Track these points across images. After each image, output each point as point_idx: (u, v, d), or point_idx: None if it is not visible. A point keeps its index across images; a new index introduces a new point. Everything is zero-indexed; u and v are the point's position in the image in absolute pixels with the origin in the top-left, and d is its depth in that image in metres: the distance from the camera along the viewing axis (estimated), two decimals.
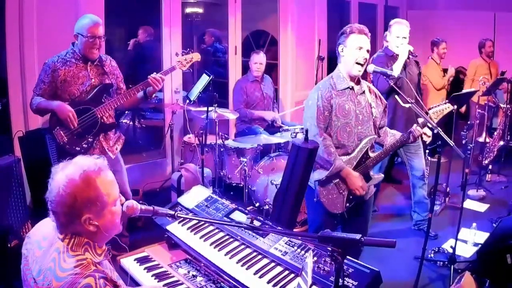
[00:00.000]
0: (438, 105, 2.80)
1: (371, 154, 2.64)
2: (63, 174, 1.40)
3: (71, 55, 3.06)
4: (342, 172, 2.57)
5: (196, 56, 3.31)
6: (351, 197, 2.63)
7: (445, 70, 5.67)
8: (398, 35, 3.81)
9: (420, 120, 2.64)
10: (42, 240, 1.49)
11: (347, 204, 2.63)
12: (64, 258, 1.39)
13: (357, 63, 2.54)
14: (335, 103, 2.57)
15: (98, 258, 1.45)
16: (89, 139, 3.09)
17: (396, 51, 3.85)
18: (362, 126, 2.62)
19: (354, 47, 2.53)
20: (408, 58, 3.95)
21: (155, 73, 3.14)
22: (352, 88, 2.61)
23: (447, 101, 2.88)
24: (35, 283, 1.42)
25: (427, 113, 2.73)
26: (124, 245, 1.93)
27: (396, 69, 3.66)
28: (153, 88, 3.13)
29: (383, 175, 3.03)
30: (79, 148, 3.04)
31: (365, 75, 3.28)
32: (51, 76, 3.00)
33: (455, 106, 3.63)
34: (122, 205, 1.57)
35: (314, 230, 2.85)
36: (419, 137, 2.75)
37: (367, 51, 2.56)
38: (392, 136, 2.77)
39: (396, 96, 3.63)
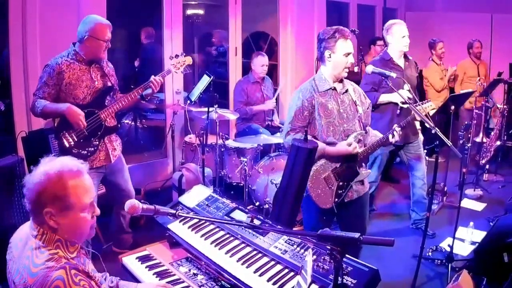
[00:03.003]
0: (422, 103, 2.85)
1: (359, 150, 2.66)
2: (44, 167, 1.47)
3: (73, 57, 3.00)
4: (328, 152, 2.60)
5: (188, 60, 3.39)
6: (339, 191, 2.66)
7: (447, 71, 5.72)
8: (404, 35, 3.79)
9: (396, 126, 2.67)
10: (19, 241, 1.54)
11: (336, 199, 2.66)
12: (36, 254, 1.43)
13: (345, 67, 2.62)
14: (317, 103, 2.62)
15: (70, 255, 1.49)
16: (95, 142, 3.09)
17: (402, 49, 3.84)
18: (348, 124, 2.66)
19: (342, 53, 2.59)
20: (408, 60, 3.98)
21: (153, 76, 3.19)
22: (334, 89, 2.67)
23: (429, 99, 2.91)
24: (14, 284, 1.45)
25: (426, 116, 2.78)
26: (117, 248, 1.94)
27: (383, 98, 3.73)
28: (152, 90, 3.18)
29: (370, 171, 3.05)
30: (85, 152, 3.03)
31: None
32: (56, 79, 2.93)
33: (453, 107, 3.69)
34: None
35: (308, 226, 2.89)
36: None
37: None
38: (373, 136, 2.80)
39: (396, 99, 3.68)
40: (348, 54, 2.60)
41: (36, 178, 1.44)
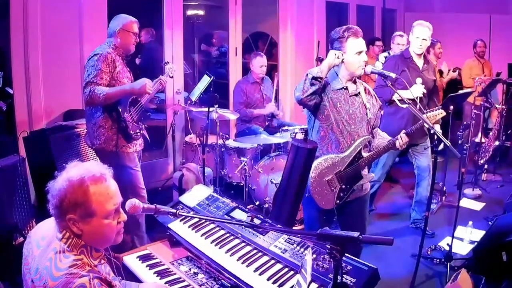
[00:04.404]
0: (432, 110, 2.86)
1: (364, 154, 2.65)
2: (67, 173, 1.45)
3: (113, 50, 3.14)
4: (322, 69, 2.50)
5: (173, 66, 3.72)
6: (341, 194, 2.66)
7: (440, 71, 5.72)
8: (418, 36, 3.82)
9: (403, 132, 2.67)
10: (40, 239, 1.52)
11: (338, 201, 2.66)
12: (60, 258, 1.41)
13: (358, 66, 2.58)
14: (328, 97, 2.60)
15: (93, 262, 1.48)
16: (142, 126, 3.32)
17: (414, 50, 3.87)
18: (355, 126, 2.64)
19: (354, 52, 2.55)
20: (427, 62, 3.99)
21: (161, 76, 3.48)
22: (346, 88, 2.64)
23: (440, 106, 2.92)
24: (32, 282, 1.44)
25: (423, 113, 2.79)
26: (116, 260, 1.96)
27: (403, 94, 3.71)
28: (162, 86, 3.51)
29: (373, 175, 3.06)
30: (138, 133, 3.26)
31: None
32: (111, 66, 3.07)
33: (452, 107, 3.71)
34: (123, 222, 1.57)
35: (308, 225, 2.89)
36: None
37: (366, 52, 2.61)
38: (381, 138, 2.78)
39: (394, 97, 3.68)
40: (360, 52, 2.56)
41: (59, 185, 1.43)
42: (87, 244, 1.48)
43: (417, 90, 3.63)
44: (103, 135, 3.15)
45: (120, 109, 3.12)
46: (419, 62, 3.94)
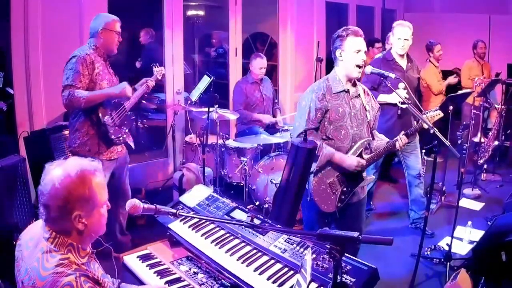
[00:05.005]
0: (429, 112, 2.87)
1: (365, 156, 2.67)
2: (60, 170, 1.44)
3: (93, 51, 3.10)
4: (334, 158, 2.58)
5: (163, 70, 3.59)
6: (343, 197, 2.67)
7: (443, 73, 5.72)
8: (400, 37, 3.83)
9: (402, 134, 2.68)
10: (29, 240, 1.53)
11: (339, 204, 2.67)
12: (47, 258, 1.42)
13: (356, 65, 2.57)
14: (329, 105, 2.60)
15: (81, 260, 1.48)
16: (125, 130, 3.27)
17: (397, 51, 3.89)
18: (358, 128, 2.66)
19: (352, 50, 2.56)
20: (410, 61, 4.00)
21: (148, 78, 3.42)
22: (347, 91, 2.64)
23: (438, 108, 2.94)
24: (22, 284, 1.45)
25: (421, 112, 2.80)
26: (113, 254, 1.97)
27: (381, 98, 3.73)
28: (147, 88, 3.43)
29: (373, 177, 3.06)
30: (121, 138, 3.20)
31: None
32: (90, 69, 3.03)
33: (451, 107, 3.71)
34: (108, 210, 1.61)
35: (308, 228, 2.89)
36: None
37: (365, 52, 2.61)
38: (379, 140, 2.79)
39: (394, 100, 3.69)
40: (359, 51, 2.56)
41: (58, 183, 1.42)
42: (76, 242, 1.49)
43: (400, 95, 3.66)
44: (78, 139, 3.12)
45: (100, 113, 3.07)
46: (403, 63, 3.94)
